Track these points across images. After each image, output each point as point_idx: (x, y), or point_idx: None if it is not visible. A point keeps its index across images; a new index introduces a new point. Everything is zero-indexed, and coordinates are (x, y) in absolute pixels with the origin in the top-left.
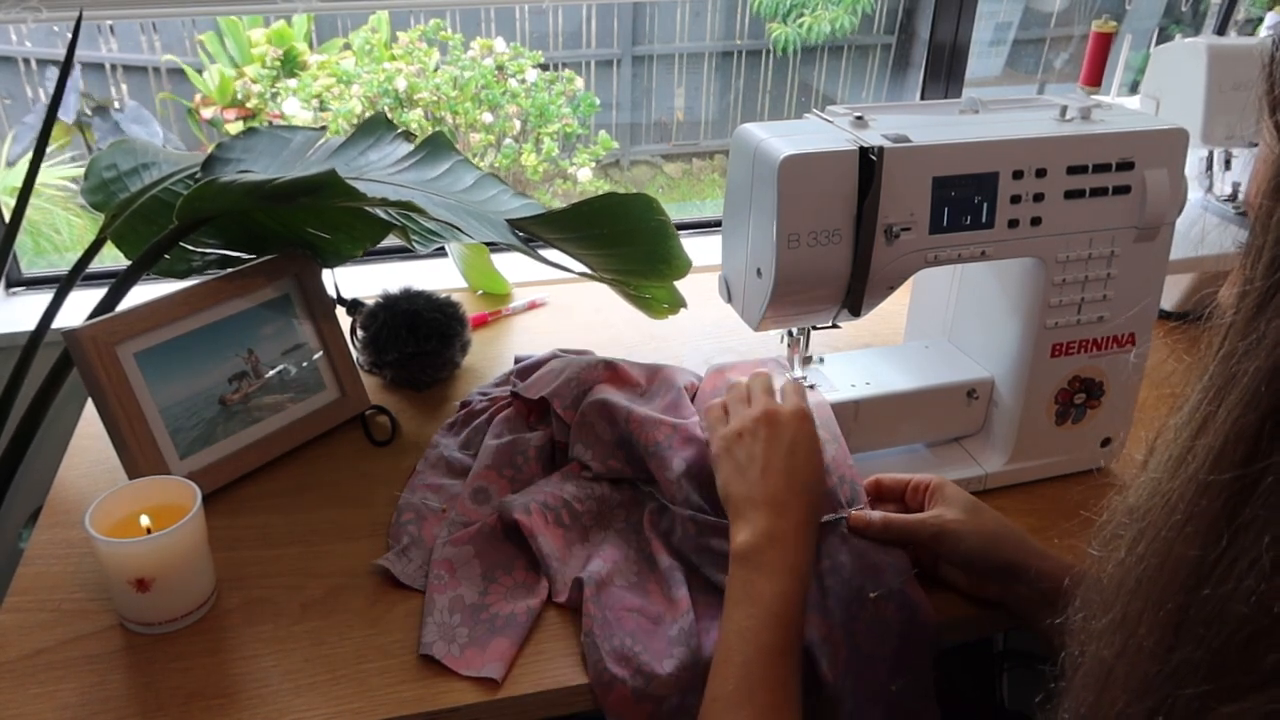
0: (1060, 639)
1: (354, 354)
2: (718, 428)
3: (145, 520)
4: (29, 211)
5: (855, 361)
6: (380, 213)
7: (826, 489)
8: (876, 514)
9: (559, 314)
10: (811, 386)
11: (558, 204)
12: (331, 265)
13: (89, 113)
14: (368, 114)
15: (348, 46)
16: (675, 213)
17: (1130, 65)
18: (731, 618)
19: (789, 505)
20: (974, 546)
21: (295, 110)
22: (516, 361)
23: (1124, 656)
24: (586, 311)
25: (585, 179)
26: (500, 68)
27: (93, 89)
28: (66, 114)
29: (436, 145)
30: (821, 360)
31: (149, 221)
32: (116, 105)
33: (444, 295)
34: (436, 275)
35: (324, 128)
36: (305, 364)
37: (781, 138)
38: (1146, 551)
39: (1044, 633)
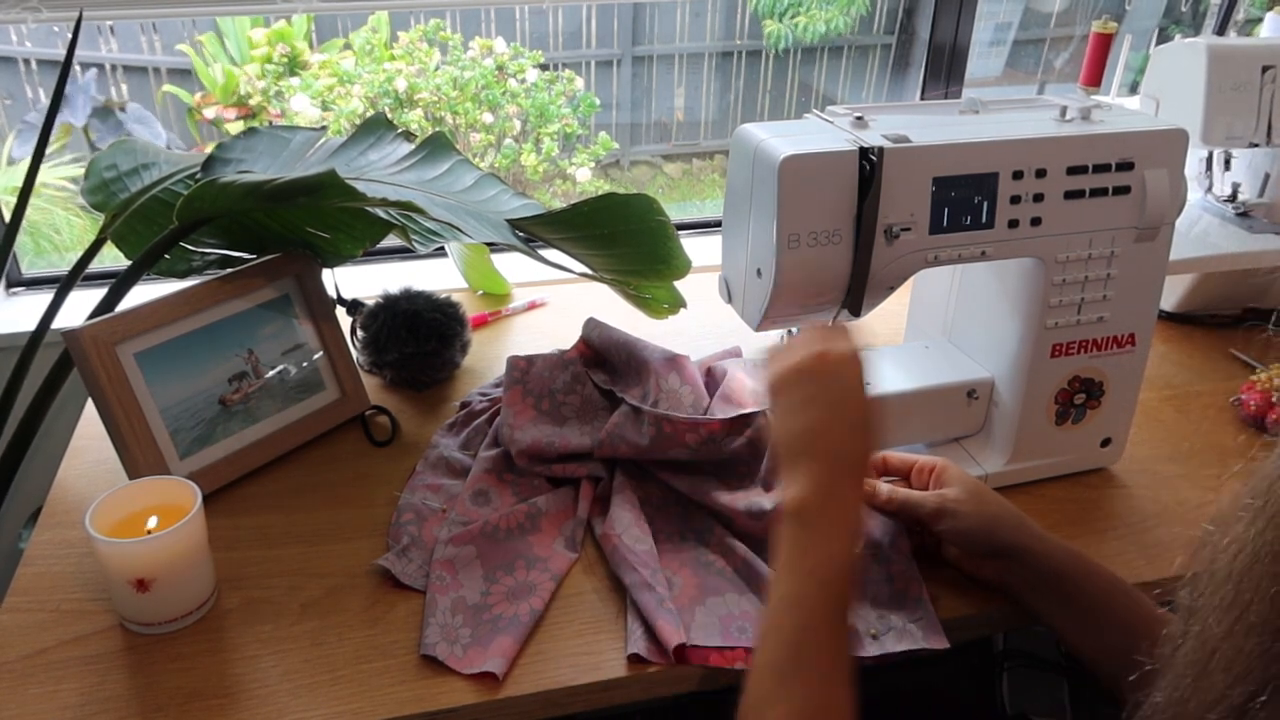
0: (1057, 627)
1: (354, 354)
2: (771, 367)
3: (146, 521)
4: (29, 211)
5: None
6: (380, 213)
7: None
8: (883, 485)
9: (559, 314)
10: None
11: (558, 204)
12: (331, 265)
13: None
14: (369, 114)
15: (348, 47)
16: (675, 213)
17: (1130, 65)
18: (782, 583)
19: (843, 457)
20: (973, 526)
21: (304, 107)
22: (509, 365)
23: (1230, 638)
24: (586, 311)
25: (585, 179)
26: (500, 68)
27: (96, 90)
28: (75, 116)
29: (437, 145)
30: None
31: (149, 222)
32: (121, 107)
33: (444, 295)
34: (436, 275)
35: (324, 128)
36: (305, 364)
37: (781, 138)
38: (1266, 526)
39: (1038, 614)
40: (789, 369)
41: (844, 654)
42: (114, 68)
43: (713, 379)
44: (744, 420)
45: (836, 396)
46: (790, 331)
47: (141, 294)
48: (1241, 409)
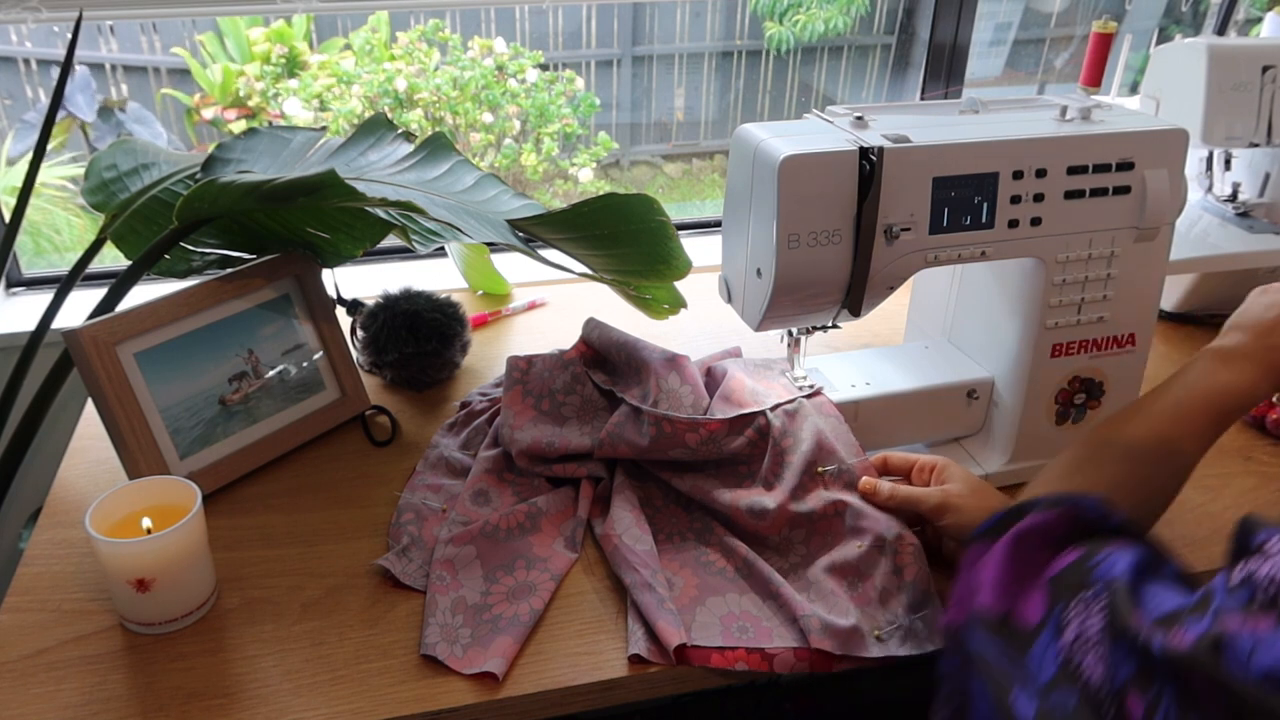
0: None
1: (354, 354)
2: None
3: (145, 520)
4: (29, 211)
5: (855, 361)
6: (380, 213)
7: None
8: (885, 483)
9: (559, 314)
10: (814, 388)
11: (558, 204)
12: (331, 265)
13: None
14: (368, 114)
15: (348, 47)
16: (675, 213)
17: (1130, 65)
18: (1173, 379)
19: None
20: (974, 521)
21: (296, 110)
22: (509, 365)
23: None
24: (586, 311)
25: (585, 179)
26: (500, 68)
27: (96, 89)
28: (82, 113)
29: (437, 145)
30: None
31: (149, 221)
32: (120, 107)
33: (444, 295)
34: (436, 275)
35: (324, 128)
36: (305, 364)
37: (781, 138)
38: None
39: None
40: None
41: (1182, 434)
42: (114, 68)
43: (713, 379)
44: (744, 420)
45: None
46: (790, 332)
47: (141, 294)
48: None
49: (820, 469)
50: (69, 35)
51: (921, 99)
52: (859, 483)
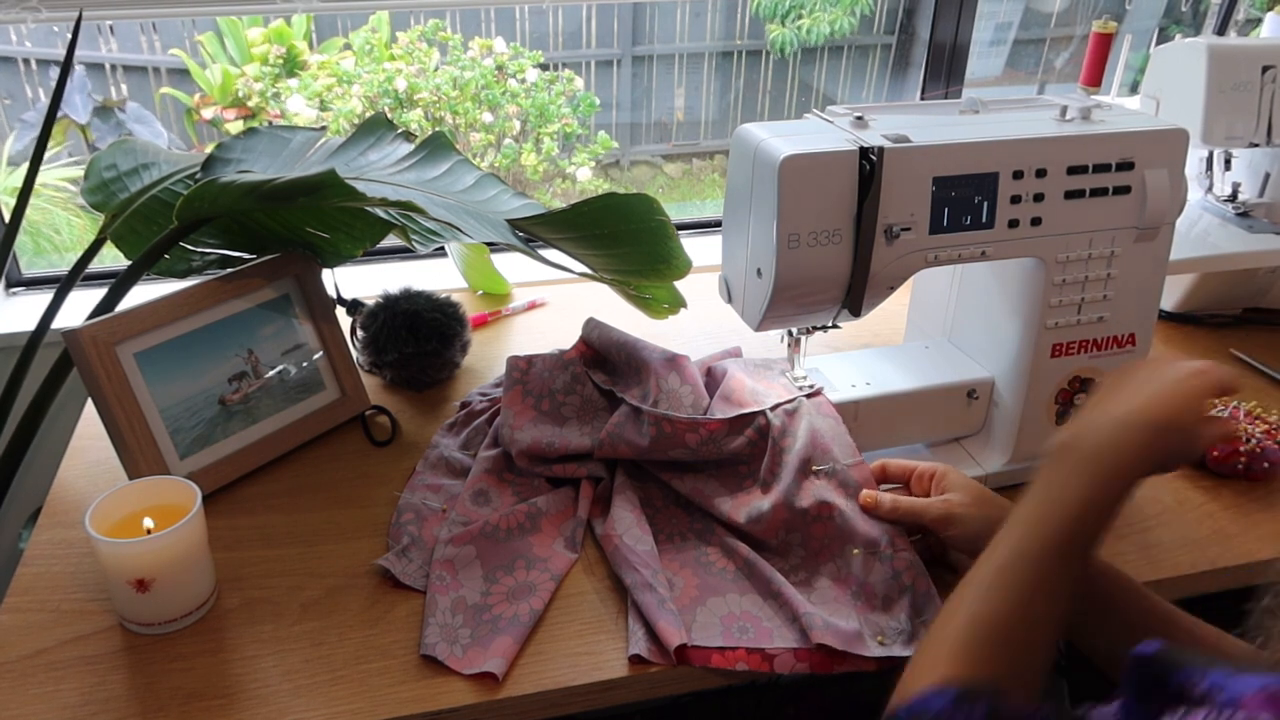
0: (1070, 625)
1: (354, 354)
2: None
3: (145, 521)
4: (29, 211)
5: (855, 361)
6: (380, 213)
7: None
8: (886, 495)
9: (559, 314)
10: (814, 388)
11: (558, 204)
12: (331, 265)
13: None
14: (368, 114)
15: (348, 46)
16: (675, 213)
17: (1130, 65)
18: (1020, 504)
19: (1131, 425)
20: (979, 530)
21: (300, 107)
22: (509, 366)
23: None
24: (586, 311)
25: (585, 179)
26: (500, 68)
27: (93, 89)
28: (77, 114)
29: (437, 145)
30: None
31: (149, 221)
32: (121, 107)
33: (444, 295)
34: (436, 275)
35: (324, 128)
36: (305, 364)
37: (781, 138)
38: None
39: None
40: (1161, 362)
41: (1060, 587)
42: (114, 67)
43: (713, 379)
44: (744, 420)
45: (1151, 381)
46: (790, 332)
47: (141, 294)
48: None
49: (815, 468)
50: (69, 35)
51: (921, 99)
52: (859, 496)
